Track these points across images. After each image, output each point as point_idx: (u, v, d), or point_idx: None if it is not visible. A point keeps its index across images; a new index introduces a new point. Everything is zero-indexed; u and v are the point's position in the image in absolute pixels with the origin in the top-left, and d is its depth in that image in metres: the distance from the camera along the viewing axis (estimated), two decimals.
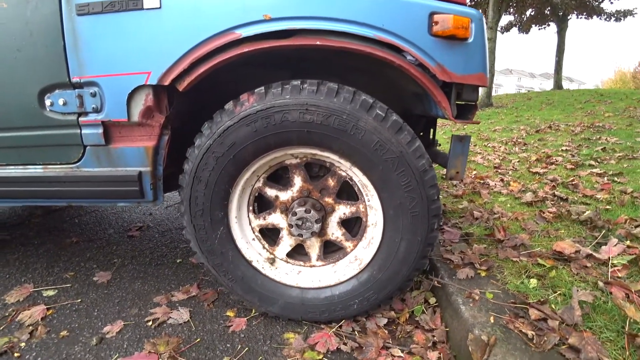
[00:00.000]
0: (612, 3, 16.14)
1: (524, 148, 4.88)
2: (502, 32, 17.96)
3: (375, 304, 1.49)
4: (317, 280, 1.53)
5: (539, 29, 18.06)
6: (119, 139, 1.44)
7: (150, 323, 1.58)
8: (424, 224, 1.34)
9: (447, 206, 2.64)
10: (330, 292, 1.51)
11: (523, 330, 1.23)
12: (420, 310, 1.58)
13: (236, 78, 1.66)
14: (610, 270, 1.55)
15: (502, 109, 10.95)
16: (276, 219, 1.53)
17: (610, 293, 1.38)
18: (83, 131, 1.43)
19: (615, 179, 3.01)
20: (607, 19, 16.55)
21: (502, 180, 3.31)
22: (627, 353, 1.12)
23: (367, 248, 1.48)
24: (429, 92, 1.33)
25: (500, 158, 4.36)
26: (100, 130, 1.41)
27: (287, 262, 1.58)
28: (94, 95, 1.37)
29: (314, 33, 1.25)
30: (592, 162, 3.64)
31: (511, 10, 16.71)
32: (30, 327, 1.55)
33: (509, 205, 2.59)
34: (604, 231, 1.95)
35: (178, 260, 2.17)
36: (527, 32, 18.01)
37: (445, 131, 7.72)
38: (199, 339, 1.49)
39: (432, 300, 1.64)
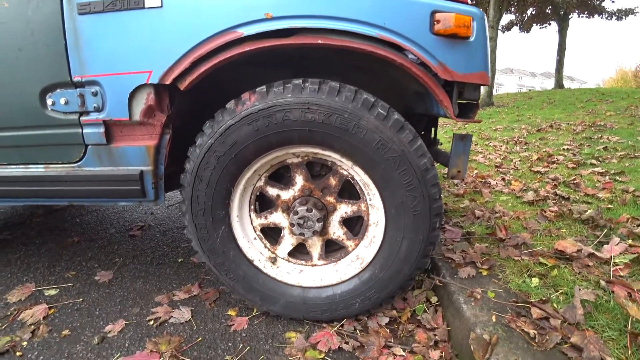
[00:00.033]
0: (613, 2, 16.08)
1: (525, 147, 4.88)
2: (503, 31, 17.96)
3: (377, 303, 1.49)
4: (319, 280, 1.53)
5: (540, 28, 18.05)
6: (121, 138, 1.44)
7: (151, 322, 1.58)
8: (425, 222, 1.34)
9: (448, 205, 2.63)
10: (331, 291, 1.50)
11: (525, 329, 1.23)
12: (422, 309, 1.58)
13: (237, 77, 1.66)
14: (612, 269, 1.55)
15: (503, 108, 10.94)
16: (278, 218, 1.53)
17: (613, 292, 1.38)
18: (84, 130, 1.43)
19: (617, 177, 3.00)
20: (609, 18, 16.53)
21: (503, 179, 3.30)
22: (630, 352, 1.11)
23: (368, 247, 1.48)
24: (431, 91, 1.33)
25: (502, 157, 4.35)
26: (102, 130, 1.41)
27: (289, 261, 1.58)
28: (95, 94, 1.37)
29: (316, 32, 1.25)
30: (594, 161, 3.64)
31: (512, 9, 16.69)
32: (32, 326, 1.55)
33: (510, 204, 2.59)
34: (605, 230, 1.94)
35: (179, 260, 2.18)
36: (528, 31, 17.99)
37: (446, 130, 7.72)
38: (200, 338, 1.49)
39: (434, 299, 1.63)
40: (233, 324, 1.56)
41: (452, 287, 1.54)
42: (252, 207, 1.54)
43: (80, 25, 1.32)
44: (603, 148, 4.18)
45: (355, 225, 1.59)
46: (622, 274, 1.51)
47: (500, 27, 15.13)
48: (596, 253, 1.67)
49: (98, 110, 1.39)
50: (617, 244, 1.70)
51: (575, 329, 1.20)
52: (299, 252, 1.60)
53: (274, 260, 1.56)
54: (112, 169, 1.47)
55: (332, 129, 1.26)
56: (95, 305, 1.73)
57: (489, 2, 12.12)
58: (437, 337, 1.43)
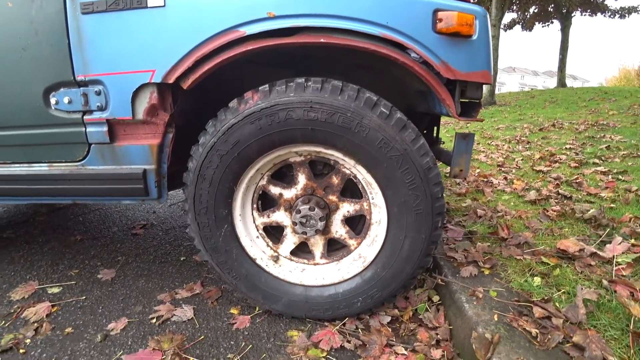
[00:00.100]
0: (616, 0, 16.01)
1: (527, 146, 4.87)
2: (505, 30, 17.89)
3: (379, 301, 1.49)
4: (321, 278, 1.54)
5: (543, 27, 17.98)
6: (124, 137, 1.45)
7: (154, 320, 1.59)
8: (428, 221, 1.34)
9: (450, 204, 2.63)
10: (334, 289, 1.51)
11: (527, 329, 1.23)
12: (423, 308, 1.59)
13: (240, 76, 1.66)
14: (614, 268, 1.55)
15: (506, 107, 10.91)
16: (280, 216, 1.53)
17: (615, 291, 1.37)
18: (88, 129, 1.44)
19: (620, 177, 3.00)
20: (612, 16, 16.45)
21: (505, 178, 3.30)
22: (632, 351, 1.11)
23: (371, 246, 1.49)
24: (433, 90, 1.33)
25: (504, 156, 4.35)
26: (105, 129, 1.42)
27: (291, 260, 1.59)
28: (98, 93, 1.38)
29: (318, 31, 1.25)
30: (597, 160, 3.63)
31: (514, 7, 16.63)
32: (35, 324, 1.56)
33: (512, 203, 2.59)
34: (608, 229, 1.94)
35: (182, 258, 2.18)
36: (530, 30, 17.92)
37: (448, 129, 7.71)
38: (203, 337, 1.49)
39: (436, 298, 1.64)
40: (235, 323, 1.56)
41: (454, 286, 1.54)
42: (255, 205, 1.54)
43: (83, 25, 1.32)
44: (606, 147, 4.17)
45: (357, 224, 1.59)
46: (624, 274, 1.51)
47: (502, 26, 15.09)
48: (598, 252, 1.67)
49: (101, 109, 1.39)
50: (620, 244, 1.70)
51: (578, 328, 1.21)
52: (302, 250, 1.60)
53: (276, 259, 1.57)
54: (115, 168, 1.47)
55: (335, 128, 1.27)
56: (98, 303, 1.73)
57: (491, 1, 12.08)
58: (439, 336, 1.43)
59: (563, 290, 1.43)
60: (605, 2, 15.96)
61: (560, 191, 2.69)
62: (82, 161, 1.49)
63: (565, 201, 2.51)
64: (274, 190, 1.50)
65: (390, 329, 1.50)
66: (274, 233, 1.63)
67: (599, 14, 16.53)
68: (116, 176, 1.47)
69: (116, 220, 2.86)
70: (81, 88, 1.39)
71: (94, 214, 3.00)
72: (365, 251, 1.50)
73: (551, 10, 16.73)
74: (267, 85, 1.30)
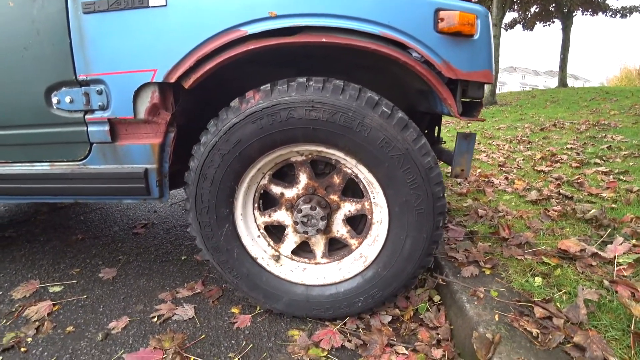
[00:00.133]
0: None
1: (528, 146, 4.86)
2: (506, 29, 17.87)
3: (380, 301, 1.49)
4: (322, 278, 1.54)
5: (544, 26, 17.96)
6: (125, 137, 1.45)
7: (155, 319, 1.59)
8: (429, 221, 1.34)
9: (451, 204, 2.63)
10: (335, 289, 1.51)
11: (528, 329, 1.23)
12: (424, 308, 1.59)
13: (241, 75, 1.66)
14: (615, 269, 1.55)
15: (507, 107, 10.90)
16: (281, 216, 1.53)
17: (616, 292, 1.37)
18: (89, 128, 1.44)
19: (621, 177, 3.00)
20: (613, 16, 16.44)
21: (506, 178, 3.30)
22: (633, 352, 1.11)
23: (372, 245, 1.49)
24: (435, 89, 1.33)
25: (505, 156, 4.34)
26: (107, 128, 1.42)
27: (292, 260, 1.59)
28: (100, 92, 1.38)
29: (320, 30, 1.25)
30: (598, 161, 3.63)
31: (515, 7, 16.63)
32: (37, 323, 1.57)
33: (513, 203, 2.59)
34: (609, 230, 1.94)
35: (183, 258, 2.18)
36: (531, 29, 17.91)
37: (449, 129, 7.70)
38: (204, 335, 1.50)
39: (437, 298, 1.64)
40: (236, 322, 1.57)
41: (455, 286, 1.54)
42: (256, 205, 1.54)
43: (85, 24, 1.32)
44: (607, 147, 4.17)
45: (358, 223, 1.59)
46: (625, 274, 1.51)
47: (503, 25, 15.08)
48: (600, 253, 1.67)
49: (103, 108, 1.40)
50: (621, 244, 1.70)
51: (579, 329, 1.20)
52: (303, 250, 1.61)
53: (277, 258, 1.57)
54: (116, 167, 1.47)
55: (336, 127, 1.27)
56: (99, 302, 1.74)
57: (492, 0, 12.07)
58: (439, 335, 1.43)
59: (564, 291, 1.43)
60: (607, 2, 15.95)
61: (561, 191, 2.69)
62: (83, 160, 1.49)
63: (566, 201, 2.51)
64: (276, 189, 1.50)
65: (391, 329, 1.50)
66: (275, 232, 1.63)
67: (600, 13, 16.52)
68: (118, 175, 1.47)
69: (117, 219, 2.86)
70: (83, 87, 1.39)
71: (95, 213, 3.00)
72: (367, 251, 1.50)
73: (552, 9, 16.72)
74: (268, 85, 1.30)
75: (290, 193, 1.49)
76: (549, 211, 2.27)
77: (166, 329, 1.52)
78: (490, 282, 1.54)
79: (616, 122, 5.93)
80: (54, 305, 1.69)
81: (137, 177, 1.45)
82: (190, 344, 1.44)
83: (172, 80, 1.31)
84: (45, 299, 1.74)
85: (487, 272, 1.61)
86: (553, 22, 17.69)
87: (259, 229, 1.57)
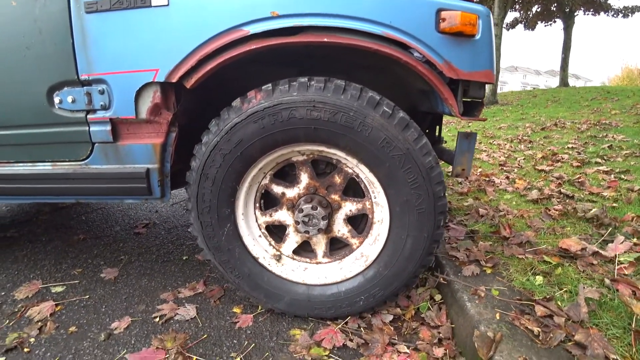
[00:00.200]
0: None
1: (529, 146, 4.86)
2: (508, 29, 17.86)
3: (381, 300, 1.50)
4: (323, 277, 1.54)
5: (545, 26, 17.96)
6: (127, 136, 1.45)
7: (157, 319, 1.59)
8: (430, 220, 1.35)
9: (452, 203, 2.63)
10: (336, 288, 1.51)
11: (529, 327, 1.24)
12: (426, 307, 1.59)
13: (243, 75, 1.66)
14: (616, 267, 1.55)
15: (508, 107, 10.90)
16: (283, 215, 1.54)
17: (617, 290, 1.38)
18: (91, 128, 1.44)
19: (622, 176, 2.99)
20: (615, 15, 16.41)
21: (507, 177, 3.30)
22: (634, 350, 1.12)
23: (373, 245, 1.49)
24: (436, 89, 1.33)
25: (506, 155, 4.34)
26: (108, 128, 1.42)
27: (294, 259, 1.59)
28: (102, 92, 1.38)
29: (322, 30, 1.25)
30: (599, 160, 3.63)
31: (517, 6, 16.62)
32: (40, 323, 1.57)
33: (514, 202, 2.59)
34: (610, 229, 1.94)
35: (184, 257, 2.19)
36: (532, 29, 17.89)
37: (450, 128, 7.70)
38: (206, 335, 1.50)
39: (438, 297, 1.64)
40: (238, 321, 1.57)
41: (456, 285, 1.54)
42: (257, 204, 1.54)
43: (87, 24, 1.33)
44: (608, 147, 4.16)
45: (359, 223, 1.59)
46: (626, 273, 1.51)
47: (504, 25, 15.08)
48: (600, 251, 1.67)
49: (105, 108, 1.40)
50: (622, 243, 1.70)
51: (580, 327, 1.21)
52: (304, 249, 1.61)
53: (278, 258, 1.57)
54: (118, 167, 1.48)
55: (338, 127, 1.27)
56: (102, 302, 1.74)
57: (493, 0, 12.07)
58: (441, 334, 1.43)
59: (565, 289, 1.43)
60: (609, 2, 15.92)
61: (562, 190, 2.69)
62: (85, 160, 1.50)
63: (567, 200, 2.51)
64: (277, 189, 1.51)
65: (392, 328, 1.50)
66: (276, 232, 1.64)
67: (602, 13, 16.50)
68: (119, 175, 1.47)
69: (119, 219, 2.87)
70: (85, 87, 1.40)
71: (96, 213, 3.01)
72: (368, 250, 1.50)
73: (554, 9, 16.70)
74: (270, 85, 1.31)
75: (291, 193, 1.50)
76: (549, 210, 2.27)
77: (168, 329, 1.53)
78: (491, 281, 1.54)
79: (617, 121, 5.93)
80: (56, 305, 1.70)
81: (138, 177, 1.45)
82: (193, 343, 1.45)
83: (174, 80, 1.31)
84: (48, 299, 1.74)
85: (488, 271, 1.61)
86: (554, 21, 17.67)
87: (260, 229, 1.57)
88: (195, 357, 1.37)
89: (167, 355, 1.35)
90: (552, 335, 1.19)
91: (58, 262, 2.14)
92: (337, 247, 1.61)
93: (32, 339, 1.48)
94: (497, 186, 3.03)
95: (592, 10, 16.45)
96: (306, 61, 1.74)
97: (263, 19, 1.23)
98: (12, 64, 1.41)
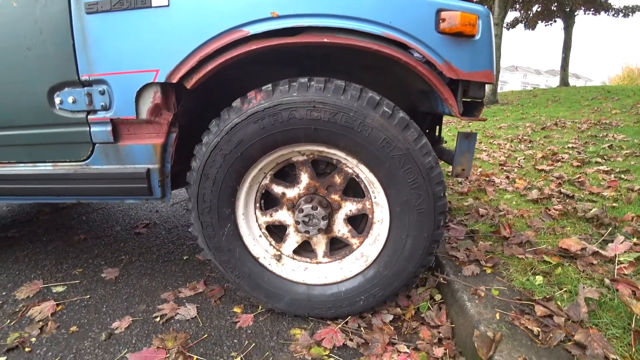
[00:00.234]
0: None
1: (529, 145, 4.86)
2: (508, 29, 17.86)
3: (381, 300, 1.50)
4: (324, 277, 1.54)
5: (546, 25, 17.95)
6: (128, 137, 1.46)
7: (158, 319, 1.60)
8: (430, 220, 1.35)
9: (452, 203, 2.64)
10: (336, 288, 1.51)
11: (529, 327, 1.24)
12: (426, 307, 1.59)
13: (243, 75, 1.66)
14: (616, 267, 1.55)
15: (508, 106, 10.89)
16: (283, 215, 1.54)
17: (617, 290, 1.38)
18: (92, 129, 1.44)
19: (622, 176, 2.99)
20: (615, 15, 16.41)
21: (507, 177, 3.30)
22: (634, 350, 1.12)
23: (373, 245, 1.49)
24: (436, 90, 1.33)
25: (506, 155, 4.34)
26: (109, 128, 1.43)
27: (294, 259, 1.60)
28: (102, 93, 1.38)
29: (322, 30, 1.25)
30: (599, 160, 3.63)
31: (517, 6, 16.61)
32: (41, 323, 1.58)
33: (514, 202, 2.59)
34: (610, 229, 1.94)
35: (185, 257, 2.19)
36: (533, 29, 17.89)
37: (450, 128, 7.70)
38: (206, 335, 1.50)
39: (438, 297, 1.64)
40: (238, 321, 1.57)
41: (456, 284, 1.54)
42: (258, 205, 1.55)
43: (87, 25, 1.33)
44: (608, 146, 4.16)
45: (360, 223, 1.59)
46: (626, 272, 1.51)
47: (505, 25, 15.07)
48: (600, 251, 1.67)
49: (105, 108, 1.40)
50: (622, 243, 1.71)
51: (579, 327, 1.21)
52: (304, 249, 1.61)
53: (279, 258, 1.58)
54: (119, 167, 1.48)
55: (338, 127, 1.27)
56: (102, 302, 1.75)
57: (494, 0, 12.06)
58: (441, 334, 1.44)
59: (565, 289, 1.43)
60: (609, 1, 15.91)
61: (562, 190, 2.69)
62: (86, 161, 1.50)
63: (567, 200, 2.51)
64: (277, 189, 1.51)
65: (392, 328, 1.51)
66: (276, 232, 1.64)
67: (602, 12, 16.49)
68: (120, 175, 1.48)
69: (119, 219, 2.87)
70: (85, 88, 1.40)
71: (97, 213, 3.01)
72: (368, 250, 1.51)
73: (554, 9, 16.70)
74: (270, 85, 1.31)
75: (291, 193, 1.50)
76: (549, 210, 2.27)
77: (169, 329, 1.53)
78: (491, 280, 1.54)
79: (618, 121, 5.92)
80: (57, 305, 1.70)
81: (139, 177, 1.46)
82: (193, 343, 1.45)
83: (175, 81, 1.32)
84: (49, 299, 1.75)
85: (488, 271, 1.62)
86: (555, 21, 17.66)
87: (260, 229, 1.57)
88: (195, 357, 1.37)
89: (168, 355, 1.36)
90: (551, 335, 1.19)
91: (59, 262, 2.14)
92: (337, 247, 1.62)
93: (33, 339, 1.49)
94: (497, 186, 3.03)
95: (592, 9, 16.45)
96: (306, 61, 1.74)
97: (263, 20, 1.23)
98: (12, 65, 1.42)
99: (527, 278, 1.53)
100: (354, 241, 1.53)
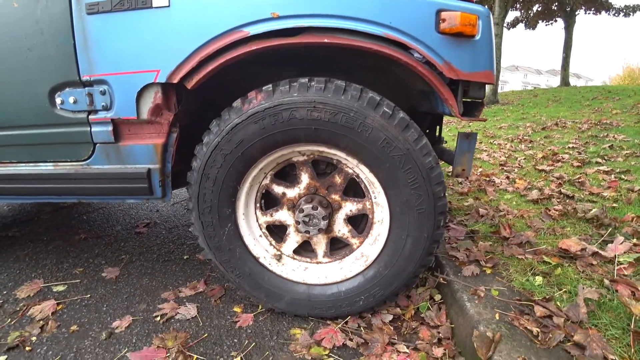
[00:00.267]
0: None
1: (530, 145, 4.86)
2: (509, 28, 17.84)
3: (381, 300, 1.50)
4: (324, 277, 1.55)
5: (546, 25, 17.93)
6: (128, 137, 1.46)
7: (158, 318, 1.60)
8: (430, 221, 1.35)
9: (452, 203, 2.64)
10: (336, 288, 1.52)
11: (528, 327, 1.24)
12: (425, 307, 1.59)
13: (244, 76, 1.67)
14: (616, 268, 1.55)
15: (508, 106, 10.89)
16: (283, 215, 1.54)
17: (616, 291, 1.38)
18: (93, 129, 1.45)
19: (623, 176, 2.99)
20: (616, 15, 16.39)
21: (507, 177, 3.30)
22: (633, 350, 1.12)
23: (373, 245, 1.49)
24: (436, 90, 1.33)
25: (506, 155, 4.34)
26: (110, 128, 1.43)
27: (294, 259, 1.60)
28: (103, 93, 1.39)
29: (322, 31, 1.25)
30: (599, 160, 3.63)
31: (518, 5, 16.59)
32: (41, 322, 1.58)
33: (514, 202, 2.59)
34: (610, 229, 1.94)
35: (185, 257, 2.20)
36: (533, 28, 17.87)
37: (450, 128, 7.70)
38: (206, 334, 1.51)
39: (438, 297, 1.64)
40: (238, 321, 1.58)
41: (456, 285, 1.54)
42: (258, 204, 1.55)
43: (88, 25, 1.33)
44: (609, 146, 4.16)
45: (360, 223, 1.60)
46: (626, 273, 1.52)
47: (505, 24, 15.07)
48: (600, 252, 1.67)
49: (106, 109, 1.41)
50: (622, 243, 1.71)
51: (579, 327, 1.21)
52: (304, 249, 1.62)
53: (279, 258, 1.58)
54: (120, 167, 1.48)
55: (338, 128, 1.27)
56: (103, 301, 1.75)
57: None
58: (440, 334, 1.44)
59: (564, 290, 1.43)
60: (610, 1, 15.89)
61: (562, 190, 2.69)
62: (87, 160, 1.50)
63: (567, 200, 2.51)
64: (277, 189, 1.51)
65: (392, 327, 1.51)
66: (277, 232, 1.64)
67: (603, 12, 16.47)
68: (121, 175, 1.48)
69: (120, 219, 2.88)
70: (86, 88, 1.40)
71: (97, 213, 3.02)
72: (368, 250, 1.51)
73: (555, 8, 16.68)
74: (270, 85, 1.31)
75: (292, 193, 1.50)
76: (549, 210, 2.27)
77: (169, 328, 1.54)
78: (490, 281, 1.55)
79: (618, 121, 5.92)
80: (58, 304, 1.70)
81: (140, 177, 1.46)
82: (193, 342, 1.46)
83: (175, 81, 1.32)
84: (49, 298, 1.75)
85: (488, 271, 1.62)
86: (555, 20, 17.64)
87: (260, 229, 1.58)
88: (195, 356, 1.38)
89: (168, 354, 1.36)
90: (551, 335, 1.19)
91: (59, 261, 2.15)
92: (337, 247, 1.62)
93: (34, 338, 1.49)
94: (498, 186, 3.04)
95: (593, 9, 16.43)
96: (306, 62, 1.74)
97: (263, 20, 1.24)
98: (14, 65, 1.42)
99: (527, 278, 1.53)
100: (354, 241, 1.54)
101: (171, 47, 1.30)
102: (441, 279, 1.65)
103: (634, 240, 1.78)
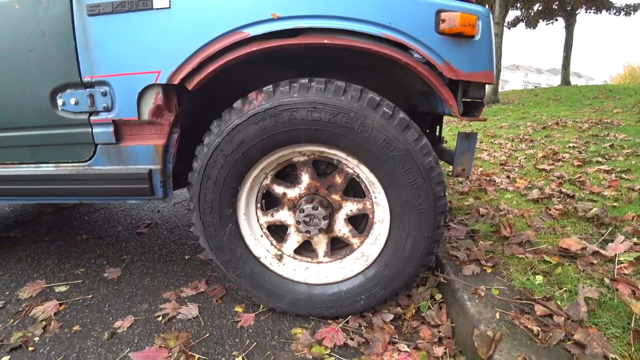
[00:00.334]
0: None
1: (530, 145, 4.86)
2: (509, 28, 17.84)
3: (382, 299, 1.51)
4: (325, 277, 1.55)
5: (547, 24, 17.91)
6: (130, 138, 1.47)
7: (160, 318, 1.61)
8: (430, 220, 1.35)
9: (453, 203, 2.64)
10: (337, 288, 1.52)
11: (529, 326, 1.24)
12: (426, 306, 1.60)
13: (244, 77, 1.67)
14: (616, 267, 1.55)
15: (509, 105, 10.88)
16: (284, 215, 1.55)
17: (617, 290, 1.38)
18: (94, 130, 1.45)
19: (623, 175, 2.99)
20: (617, 14, 16.37)
21: (508, 177, 3.30)
22: (633, 349, 1.12)
23: (373, 244, 1.50)
24: (436, 90, 1.34)
25: (507, 155, 4.34)
26: (111, 129, 1.44)
27: (295, 259, 1.60)
28: (104, 94, 1.39)
29: (322, 31, 1.26)
30: (600, 159, 3.62)
31: (518, 5, 16.57)
32: (44, 322, 1.59)
33: (515, 202, 2.59)
34: (610, 228, 1.94)
35: (186, 257, 2.20)
36: (534, 27, 17.86)
37: (450, 128, 7.70)
38: (208, 334, 1.51)
39: (438, 297, 1.65)
40: (240, 320, 1.58)
41: (457, 284, 1.55)
42: (259, 205, 1.55)
43: (89, 27, 1.34)
44: (609, 146, 4.16)
45: (360, 223, 1.60)
46: (626, 272, 1.52)
47: (506, 24, 15.06)
48: (600, 251, 1.67)
49: (107, 110, 1.41)
50: (622, 242, 1.71)
51: (579, 326, 1.21)
52: (305, 249, 1.62)
53: (280, 258, 1.58)
54: (121, 168, 1.49)
55: (338, 128, 1.28)
56: (105, 301, 1.76)
57: None
58: (441, 333, 1.44)
59: (565, 289, 1.43)
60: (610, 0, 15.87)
61: (563, 190, 2.69)
62: (88, 161, 1.51)
63: (567, 200, 2.51)
64: (278, 189, 1.52)
65: (393, 327, 1.51)
66: (277, 232, 1.65)
67: (603, 11, 16.45)
68: (122, 176, 1.49)
69: (121, 219, 2.88)
70: (87, 89, 1.41)
71: (99, 213, 3.02)
72: (368, 250, 1.51)
73: (555, 7, 16.67)
74: (271, 86, 1.31)
75: (292, 193, 1.51)
76: (550, 210, 2.27)
77: (171, 328, 1.54)
78: (491, 280, 1.55)
79: (619, 120, 5.91)
80: (60, 304, 1.71)
81: (141, 177, 1.47)
82: (195, 342, 1.46)
83: (176, 82, 1.33)
84: (52, 298, 1.76)
85: (488, 270, 1.62)
86: (556, 20, 17.63)
87: (261, 229, 1.58)
88: (197, 356, 1.38)
89: (170, 354, 1.37)
90: (551, 334, 1.20)
91: (61, 262, 2.15)
92: (338, 246, 1.62)
93: (37, 338, 1.50)
94: (498, 185, 3.04)
95: (593, 8, 16.41)
96: (306, 62, 1.74)
97: (263, 21, 1.24)
98: (15, 67, 1.43)
99: (527, 277, 1.54)
100: (355, 241, 1.54)
101: (172, 48, 1.30)
102: (442, 279, 1.66)
103: (635, 240, 1.78)
